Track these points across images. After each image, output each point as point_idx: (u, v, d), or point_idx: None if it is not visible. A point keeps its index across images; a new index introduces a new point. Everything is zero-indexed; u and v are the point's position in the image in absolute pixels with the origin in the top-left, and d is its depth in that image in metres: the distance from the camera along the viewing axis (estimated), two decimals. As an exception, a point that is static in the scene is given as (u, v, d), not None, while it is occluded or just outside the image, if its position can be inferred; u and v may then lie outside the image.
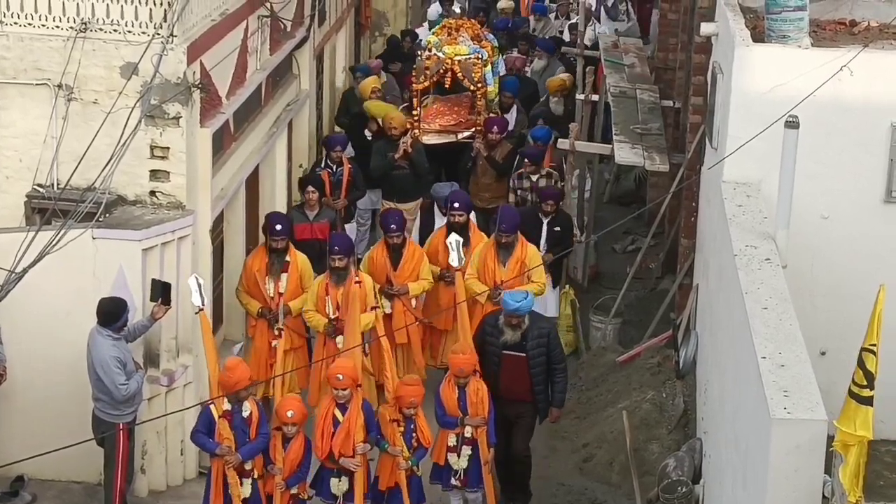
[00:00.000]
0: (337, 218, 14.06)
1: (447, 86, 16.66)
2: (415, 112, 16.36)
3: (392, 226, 12.54)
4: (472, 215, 13.43)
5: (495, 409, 10.93)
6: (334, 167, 14.72)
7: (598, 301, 14.61)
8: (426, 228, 14.25)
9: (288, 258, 12.15)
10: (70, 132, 10.90)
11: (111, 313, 10.49)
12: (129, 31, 10.88)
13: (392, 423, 10.64)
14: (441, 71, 16.52)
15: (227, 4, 12.28)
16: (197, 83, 11.13)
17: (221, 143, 12.27)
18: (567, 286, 14.41)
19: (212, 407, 10.34)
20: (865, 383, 7.19)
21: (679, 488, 10.18)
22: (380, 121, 15.59)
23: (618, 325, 14.28)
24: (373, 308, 11.82)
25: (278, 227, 12.13)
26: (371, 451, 10.65)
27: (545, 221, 13.84)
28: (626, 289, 14.31)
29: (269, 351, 12.14)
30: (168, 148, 11.06)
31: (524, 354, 11.06)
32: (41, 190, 11.11)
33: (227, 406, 10.30)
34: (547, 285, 13.32)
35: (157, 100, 10.87)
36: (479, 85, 16.42)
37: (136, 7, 10.86)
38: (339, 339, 11.87)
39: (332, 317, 11.90)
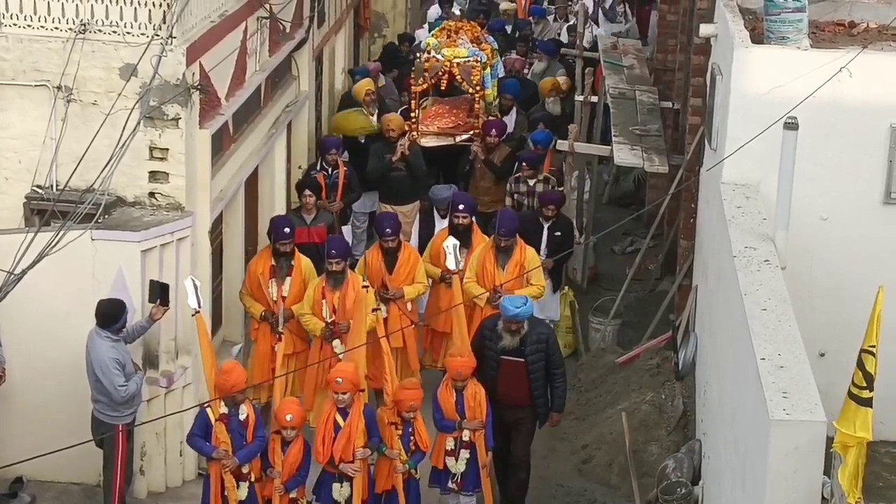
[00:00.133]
0: (334, 221, 14.05)
1: (443, 87, 16.64)
2: (413, 114, 16.35)
3: (387, 229, 12.52)
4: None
5: (493, 414, 10.92)
6: (330, 170, 14.71)
7: (597, 302, 14.62)
8: (426, 232, 14.22)
9: (293, 262, 12.14)
10: (69, 133, 10.90)
11: (110, 315, 10.49)
12: (129, 33, 10.88)
13: (390, 426, 10.63)
14: (439, 73, 16.50)
15: (227, 6, 12.29)
16: (196, 84, 11.13)
17: (220, 145, 12.27)
18: (566, 287, 14.41)
19: (208, 410, 10.32)
20: (865, 385, 7.20)
21: (678, 489, 10.18)
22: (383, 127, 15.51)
23: (617, 326, 14.29)
24: (374, 310, 11.81)
25: (286, 230, 12.13)
26: (371, 457, 10.64)
27: (546, 226, 13.80)
28: (625, 290, 14.30)
29: (272, 355, 12.14)
30: (167, 149, 11.06)
31: (523, 360, 11.01)
32: (40, 191, 11.11)
33: (223, 409, 10.29)
34: (547, 289, 13.31)
35: (157, 101, 10.88)
36: (478, 88, 16.40)
37: (135, 8, 10.86)
38: (336, 342, 11.86)
39: (329, 320, 11.88)
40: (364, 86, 16.62)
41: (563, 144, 15.45)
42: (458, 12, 22.42)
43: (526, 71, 19.38)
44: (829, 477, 7.35)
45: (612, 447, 11.98)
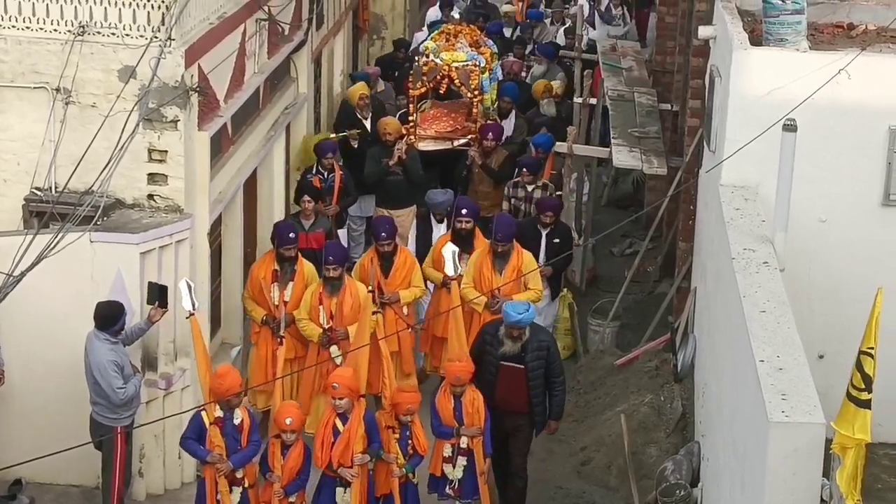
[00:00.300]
0: (332, 227, 14.03)
1: (442, 91, 16.62)
2: (411, 118, 16.34)
3: (382, 234, 12.50)
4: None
5: (491, 421, 10.89)
6: (326, 174, 14.70)
7: (596, 304, 14.62)
8: (423, 237, 14.16)
9: (296, 267, 12.14)
10: (68, 135, 10.90)
11: (109, 317, 10.48)
12: (127, 35, 10.88)
13: (387, 429, 10.61)
14: (438, 77, 16.48)
15: (225, 8, 12.29)
16: (195, 86, 11.13)
17: (219, 147, 12.26)
18: (565, 290, 14.40)
19: (203, 413, 10.30)
20: (863, 386, 7.20)
21: (677, 492, 10.18)
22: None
23: (616, 328, 14.28)
24: (374, 313, 11.79)
25: (290, 235, 12.12)
26: (370, 462, 10.60)
27: (544, 234, 13.70)
28: (624, 292, 14.30)
29: (272, 359, 12.12)
30: (166, 151, 11.06)
31: (523, 366, 10.96)
32: (39, 193, 11.11)
33: (218, 413, 10.26)
34: (546, 298, 13.29)
35: (155, 103, 10.88)
36: (476, 92, 16.38)
37: (133, 10, 10.86)
38: (334, 349, 11.85)
39: (326, 326, 11.86)
40: (358, 90, 16.60)
41: (561, 146, 15.45)
42: (457, 16, 22.41)
43: (524, 74, 19.36)
44: (828, 479, 7.35)
45: (611, 449, 11.98)
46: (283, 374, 11.86)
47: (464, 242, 12.62)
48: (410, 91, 16.54)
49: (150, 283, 10.83)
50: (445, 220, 13.94)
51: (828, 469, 7.37)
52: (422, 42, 18.69)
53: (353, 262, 13.49)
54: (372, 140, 15.81)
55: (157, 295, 10.74)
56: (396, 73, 18.87)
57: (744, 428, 8.05)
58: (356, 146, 15.83)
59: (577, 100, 16.98)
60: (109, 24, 10.90)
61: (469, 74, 16.40)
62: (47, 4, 10.92)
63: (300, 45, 15.51)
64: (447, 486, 10.89)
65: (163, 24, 10.79)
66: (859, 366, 7.22)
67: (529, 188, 14.77)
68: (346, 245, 14.58)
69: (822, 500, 7.32)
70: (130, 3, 10.84)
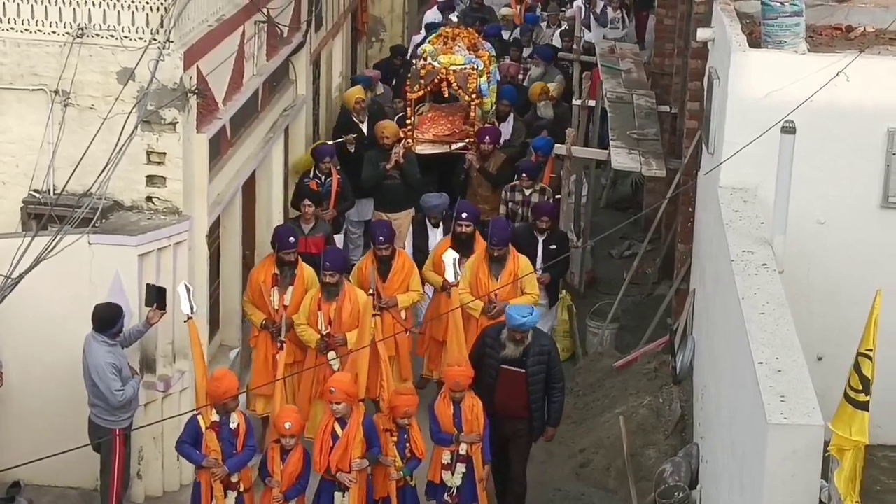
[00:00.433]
0: (331, 232, 14.00)
1: (445, 95, 16.58)
2: (409, 121, 16.31)
3: (380, 237, 12.49)
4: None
5: (491, 427, 10.86)
6: (323, 178, 14.68)
7: (594, 306, 14.61)
8: (420, 241, 14.12)
9: (296, 271, 12.12)
10: (66, 138, 10.90)
11: (107, 319, 10.48)
12: (126, 37, 10.88)
13: (385, 432, 10.59)
14: (436, 80, 16.46)
15: (224, 10, 12.29)
16: (193, 88, 11.13)
17: (218, 149, 12.26)
18: (564, 292, 14.39)
19: (199, 417, 10.28)
20: (861, 388, 7.20)
21: (676, 493, 10.17)
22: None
23: (614, 330, 14.28)
24: (374, 315, 11.79)
25: (291, 239, 12.11)
26: (369, 466, 10.59)
27: (540, 240, 13.65)
28: (622, 294, 14.29)
29: (271, 363, 12.11)
30: (164, 153, 11.06)
31: (523, 370, 10.93)
32: (37, 195, 11.10)
33: (214, 417, 10.25)
34: (544, 305, 13.28)
35: (154, 105, 10.88)
36: (474, 95, 16.37)
37: (132, 13, 10.86)
38: (331, 354, 11.83)
39: (324, 332, 11.85)
40: (354, 93, 16.59)
41: (560, 148, 15.44)
42: (455, 19, 22.38)
43: (522, 76, 19.35)
44: (826, 481, 7.35)
45: (610, 451, 11.97)
46: (282, 377, 11.84)
47: (464, 246, 12.61)
48: (408, 94, 16.52)
49: (148, 286, 10.83)
50: (441, 224, 13.92)
51: (826, 471, 7.37)
52: (419, 45, 18.68)
53: (351, 266, 13.48)
54: (369, 143, 15.80)
55: (156, 297, 10.74)
56: (394, 81, 18.84)
57: (742, 430, 8.05)
58: (353, 150, 15.82)
59: (576, 102, 16.97)
60: (108, 27, 10.90)
61: (467, 78, 16.38)
62: (46, 7, 10.92)
63: (299, 47, 15.51)
64: (446, 494, 10.85)
65: (161, 27, 10.79)
66: (857, 368, 7.23)
67: (527, 192, 14.75)
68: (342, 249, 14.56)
69: (820, 501, 7.32)
70: (129, 6, 10.84)
